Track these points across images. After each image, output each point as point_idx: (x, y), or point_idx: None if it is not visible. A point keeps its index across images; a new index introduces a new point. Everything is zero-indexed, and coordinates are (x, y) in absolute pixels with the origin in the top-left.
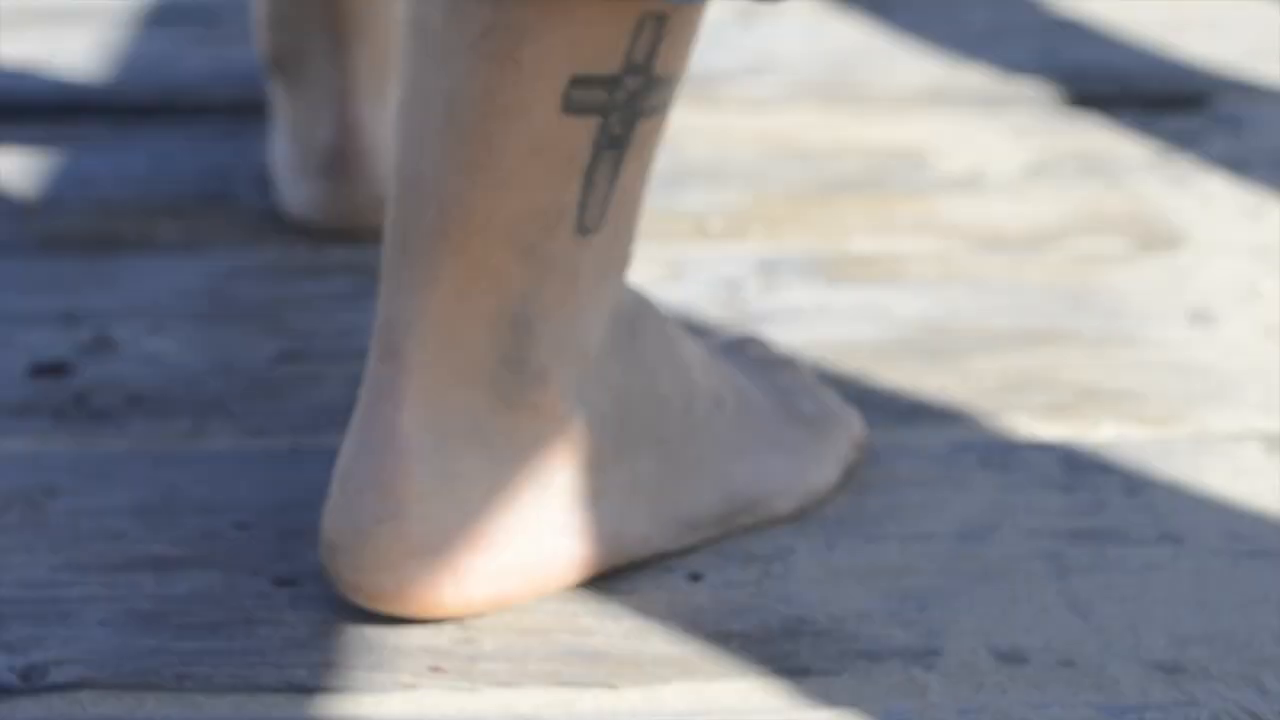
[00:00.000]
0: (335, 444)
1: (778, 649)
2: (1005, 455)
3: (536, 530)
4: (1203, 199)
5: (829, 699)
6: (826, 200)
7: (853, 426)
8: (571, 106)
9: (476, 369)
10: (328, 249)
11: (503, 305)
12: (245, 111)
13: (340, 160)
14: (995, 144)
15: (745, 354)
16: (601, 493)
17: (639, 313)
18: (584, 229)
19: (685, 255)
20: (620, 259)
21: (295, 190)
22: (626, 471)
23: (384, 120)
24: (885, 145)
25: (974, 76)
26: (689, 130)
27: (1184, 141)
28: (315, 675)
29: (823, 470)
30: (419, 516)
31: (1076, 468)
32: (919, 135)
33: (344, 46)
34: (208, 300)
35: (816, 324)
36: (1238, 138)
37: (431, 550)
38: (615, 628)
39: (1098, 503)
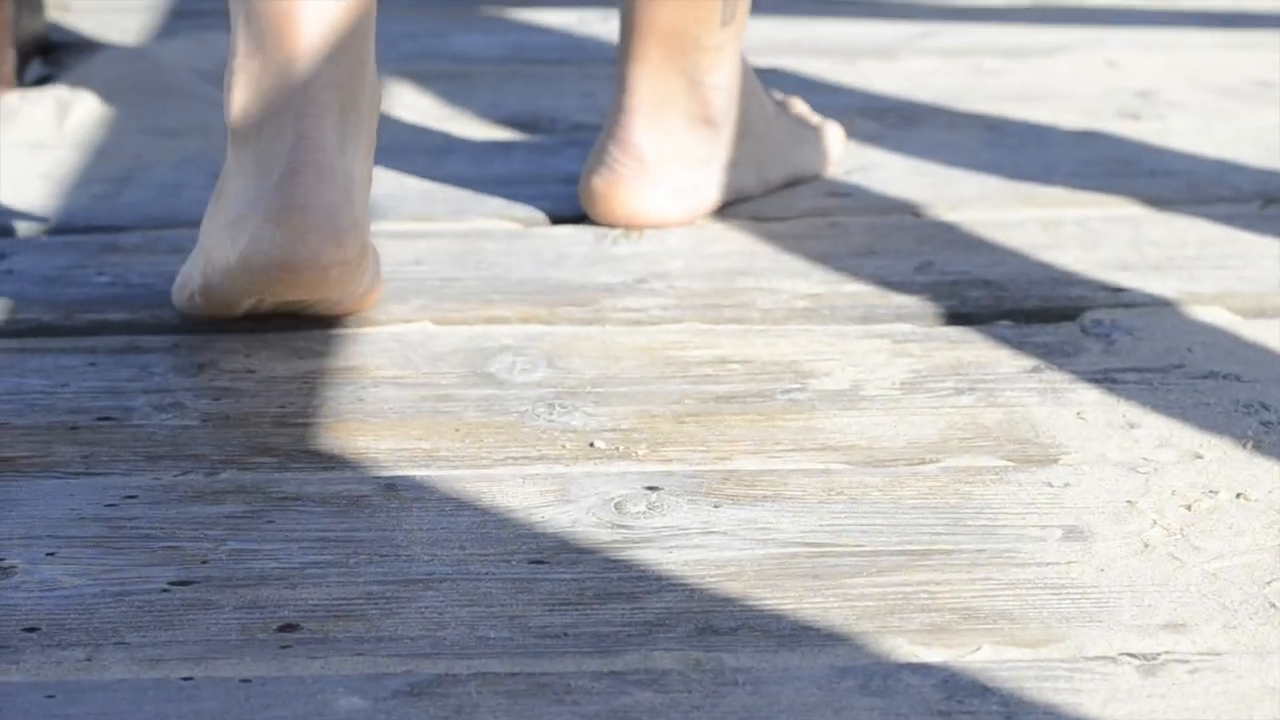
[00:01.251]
0: (227, 673)
1: None
2: (885, 679)
3: (704, 180)
4: (1077, 412)
5: None
6: (710, 417)
7: (834, 131)
8: None
9: (672, 100)
10: (221, 471)
11: (683, 66)
12: (144, 330)
13: (295, 179)
14: (874, 358)
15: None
16: (735, 161)
17: (747, 72)
18: (725, 22)
19: (573, 475)
20: (739, 37)
21: (241, 238)
22: (742, 150)
23: (351, 166)
24: (767, 361)
25: (853, 290)
26: (576, 347)
27: (1058, 354)
28: None
29: (821, 159)
30: (650, 169)
31: (955, 692)
32: (799, 350)
33: (308, 103)
34: (104, 525)
35: (701, 545)
36: (1110, 350)
37: (653, 184)
38: None
39: None
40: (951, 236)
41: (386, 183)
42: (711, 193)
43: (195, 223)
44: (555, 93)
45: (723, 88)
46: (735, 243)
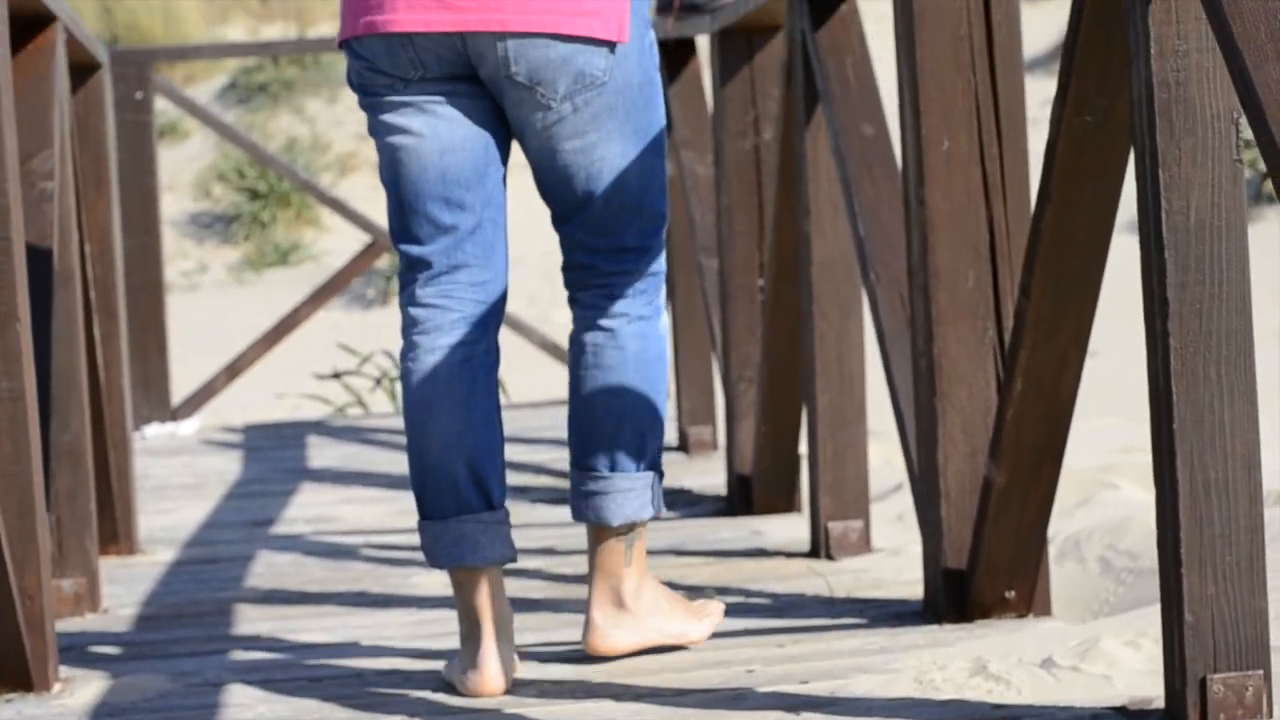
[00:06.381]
0: None
1: None
2: None
3: (640, 633)
4: None
5: None
6: None
7: (715, 614)
8: None
9: (607, 598)
10: None
11: (610, 583)
12: None
13: (477, 660)
14: None
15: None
16: (645, 626)
17: (657, 586)
18: (627, 564)
19: None
20: (640, 569)
21: (464, 680)
22: (649, 621)
23: (500, 641)
24: None
25: None
26: None
27: None
28: None
29: (703, 631)
30: (602, 632)
31: None
32: None
33: (482, 633)
34: None
35: None
36: None
37: (603, 639)
38: None
39: None
40: None
41: None
42: (634, 640)
43: None
44: None
45: (631, 592)
46: None
